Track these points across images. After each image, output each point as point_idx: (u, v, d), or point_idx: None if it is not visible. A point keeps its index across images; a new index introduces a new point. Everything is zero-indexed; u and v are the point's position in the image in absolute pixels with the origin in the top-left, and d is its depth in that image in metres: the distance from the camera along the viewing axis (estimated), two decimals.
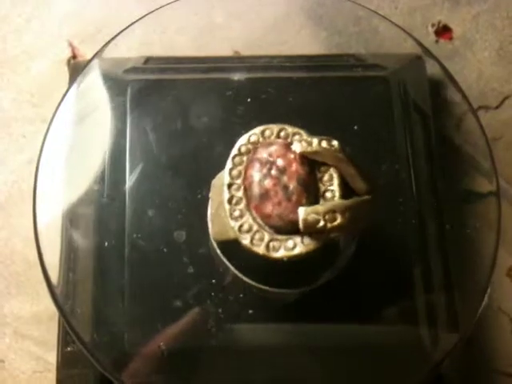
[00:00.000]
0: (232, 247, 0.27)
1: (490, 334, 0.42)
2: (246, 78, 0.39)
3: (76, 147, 0.34)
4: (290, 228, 0.24)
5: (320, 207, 0.24)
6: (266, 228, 0.25)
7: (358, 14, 0.44)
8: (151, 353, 0.31)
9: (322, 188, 0.25)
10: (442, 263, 0.36)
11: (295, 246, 0.24)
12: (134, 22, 0.37)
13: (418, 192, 0.37)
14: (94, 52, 0.38)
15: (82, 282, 0.34)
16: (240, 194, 0.25)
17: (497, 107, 0.46)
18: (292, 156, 0.25)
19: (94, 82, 0.36)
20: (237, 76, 0.39)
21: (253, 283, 0.30)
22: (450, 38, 0.48)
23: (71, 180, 0.35)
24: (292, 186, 0.24)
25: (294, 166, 0.25)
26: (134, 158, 0.33)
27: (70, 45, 0.45)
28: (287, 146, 0.25)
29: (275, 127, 0.27)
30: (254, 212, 0.25)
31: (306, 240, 0.24)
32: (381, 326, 0.33)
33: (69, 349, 0.34)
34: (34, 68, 0.45)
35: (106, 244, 0.33)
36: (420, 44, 0.38)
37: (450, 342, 0.34)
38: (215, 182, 0.29)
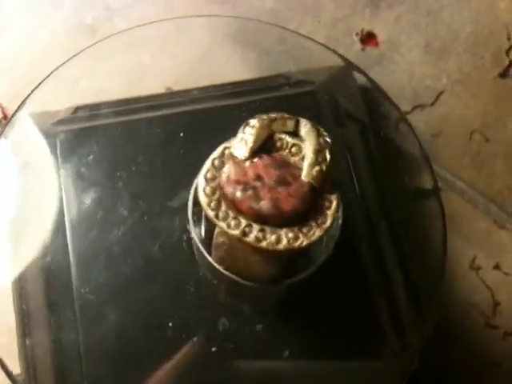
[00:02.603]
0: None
1: (464, 329, 0.42)
2: (179, 113, 0.39)
3: (8, 206, 0.34)
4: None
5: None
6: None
7: (282, 34, 0.45)
8: None
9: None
10: (399, 264, 0.36)
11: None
12: (56, 70, 0.37)
13: (364, 198, 0.37)
14: (27, 109, 0.38)
15: (39, 348, 0.33)
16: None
17: (432, 104, 0.47)
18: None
19: (22, 138, 0.35)
20: (171, 112, 0.39)
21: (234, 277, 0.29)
22: (376, 44, 0.48)
23: (13, 243, 0.34)
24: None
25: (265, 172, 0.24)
26: (72, 213, 0.33)
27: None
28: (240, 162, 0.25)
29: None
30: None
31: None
32: (342, 333, 0.33)
33: None
34: None
35: (57, 303, 0.32)
36: (341, 56, 0.38)
37: (416, 340, 0.34)
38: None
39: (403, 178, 0.39)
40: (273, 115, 0.26)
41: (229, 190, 0.24)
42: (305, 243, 0.24)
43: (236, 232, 0.24)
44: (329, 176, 0.25)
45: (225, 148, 0.25)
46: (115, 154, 0.36)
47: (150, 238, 0.33)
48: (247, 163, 0.24)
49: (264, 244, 0.24)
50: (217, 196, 0.24)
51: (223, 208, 0.24)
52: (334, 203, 0.25)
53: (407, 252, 0.36)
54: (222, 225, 0.24)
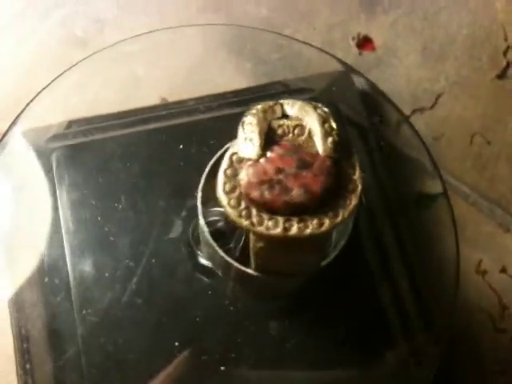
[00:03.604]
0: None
1: (472, 333, 0.41)
2: (177, 124, 0.38)
3: (5, 227, 0.33)
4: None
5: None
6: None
7: (278, 41, 0.44)
8: None
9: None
10: (407, 271, 0.36)
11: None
12: (48, 85, 0.36)
13: (370, 204, 0.36)
14: (19, 127, 0.37)
15: (39, 371, 0.32)
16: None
17: (432, 107, 0.47)
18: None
19: (16, 157, 0.34)
20: (167, 123, 0.39)
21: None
22: (373, 48, 0.48)
23: (9, 263, 0.33)
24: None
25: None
26: (70, 231, 0.32)
27: None
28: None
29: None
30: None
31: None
32: (353, 343, 0.33)
33: None
34: None
35: (58, 326, 0.31)
36: (341, 61, 0.37)
37: (429, 350, 0.33)
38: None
39: (408, 183, 0.39)
40: (259, 106, 0.25)
41: (255, 193, 0.23)
42: (346, 215, 0.24)
43: (278, 231, 0.23)
44: (343, 147, 0.24)
45: (232, 155, 0.24)
46: (112, 169, 0.35)
47: (153, 256, 0.32)
48: (262, 160, 0.23)
49: (308, 231, 0.23)
50: (243, 205, 0.23)
51: (254, 213, 0.23)
52: (357, 170, 0.24)
53: (417, 260, 0.35)
54: (261, 229, 0.23)
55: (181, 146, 0.36)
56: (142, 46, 0.42)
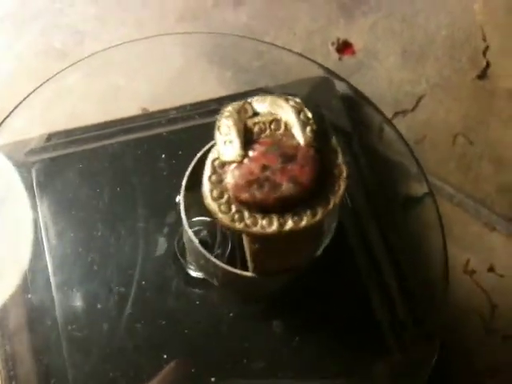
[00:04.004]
0: None
1: (463, 333, 0.41)
2: (157, 134, 0.38)
3: None
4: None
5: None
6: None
7: (258, 48, 0.44)
8: None
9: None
10: (395, 272, 0.36)
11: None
12: (26, 98, 0.35)
13: (356, 208, 0.36)
14: None
15: None
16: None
17: (413, 109, 0.47)
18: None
19: None
20: (148, 133, 0.38)
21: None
22: (353, 53, 0.48)
23: None
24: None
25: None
26: (53, 247, 0.31)
27: None
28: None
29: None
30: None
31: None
32: (344, 345, 0.33)
33: None
34: None
35: (43, 342, 0.31)
36: (322, 66, 0.37)
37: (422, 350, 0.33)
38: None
39: (393, 186, 0.39)
40: (231, 108, 0.24)
41: (245, 195, 0.23)
42: (337, 201, 0.24)
43: (273, 228, 0.23)
44: (321, 134, 0.24)
45: (213, 160, 0.24)
46: (94, 181, 0.35)
47: (135, 266, 0.32)
48: (246, 161, 0.23)
49: (303, 223, 0.23)
50: (234, 209, 0.23)
51: (247, 215, 0.23)
52: (339, 154, 0.24)
53: (405, 261, 0.35)
54: (256, 230, 0.23)
55: (162, 156, 0.35)
56: (122, 56, 0.42)
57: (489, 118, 0.47)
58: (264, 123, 0.24)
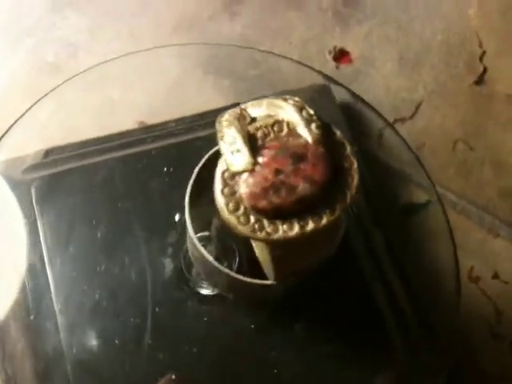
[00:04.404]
0: None
1: (471, 341, 0.40)
2: (155, 148, 0.38)
3: None
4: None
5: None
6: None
7: (255, 57, 0.43)
8: None
9: None
10: (402, 281, 0.35)
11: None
12: (22, 116, 0.35)
13: (359, 216, 0.36)
14: None
15: None
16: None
17: (412, 116, 0.46)
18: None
19: None
20: (147, 147, 0.38)
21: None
22: (350, 61, 0.48)
23: None
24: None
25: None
26: (55, 266, 0.30)
27: None
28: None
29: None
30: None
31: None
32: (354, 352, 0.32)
33: None
34: None
35: (47, 366, 0.30)
36: (321, 73, 0.37)
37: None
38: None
39: (394, 192, 0.38)
40: (229, 116, 0.24)
41: (263, 202, 0.22)
42: (353, 193, 0.23)
43: (295, 231, 0.22)
44: (329, 132, 0.24)
45: (223, 173, 0.23)
46: (94, 197, 0.34)
47: (146, 294, 0.31)
48: (257, 168, 0.23)
49: (324, 222, 0.23)
50: (253, 219, 0.22)
51: (266, 223, 0.22)
52: (347, 146, 0.24)
53: (411, 269, 0.35)
54: (278, 236, 0.22)
55: (165, 169, 0.35)
56: (116, 70, 0.41)
57: (487, 123, 0.46)
58: (266, 127, 0.23)
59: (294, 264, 0.25)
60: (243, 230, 0.22)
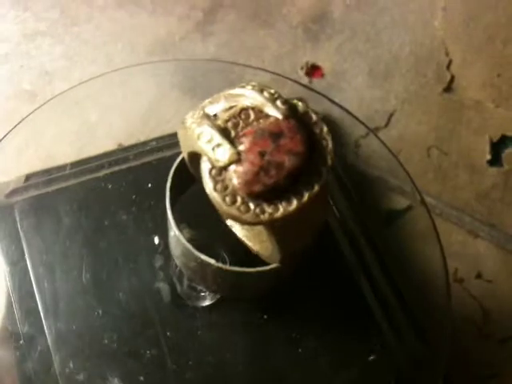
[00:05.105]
0: None
1: (459, 341, 0.41)
2: (136, 166, 0.38)
3: None
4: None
5: None
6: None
7: (229, 76, 0.44)
8: None
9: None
10: (391, 286, 0.36)
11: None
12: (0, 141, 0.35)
13: (343, 227, 0.37)
14: None
15: None
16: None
17: (386, 125, 0.48)
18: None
19: None
20: (126, 167, 0.38)
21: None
22: (322, 75, 0.49)
23: None
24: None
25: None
26: (43, 289, 0.30)
27: None
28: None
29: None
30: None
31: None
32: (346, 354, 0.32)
33: None
34: None
35: None
36: (304, 85, 0.38)
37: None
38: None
39: (376, 199, 0.39)
40: (193, 118, 0.24)
41: (258, 186, 0.23)
42: (332, 155, 0.24)
43: (294, 205, 0.23)
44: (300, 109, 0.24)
45: (210, 171, 0.23)
46: (80, 216, 0.34)
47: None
48: (242, 156, 0.23)
49: (316, 188, 0.23)
50: (253, 205, 0.23)
51: (266, 206, 0.23)
52: (312, 114, 0.24)
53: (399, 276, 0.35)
54: (281, 214, 0.23)
55: (150, 185, 0.35)
56: (91, 92, 0.41)
57: (459, 128, 0.48)
58: (235, 117, 0.24)
59: (295, 242, 0.25)
60: (247, 217, 0.23)
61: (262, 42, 0.49)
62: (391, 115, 0.48)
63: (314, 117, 0.24)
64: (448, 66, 0.50)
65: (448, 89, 0.49)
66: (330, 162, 0.24)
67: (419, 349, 0.33)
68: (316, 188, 0.23)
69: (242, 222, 0.23)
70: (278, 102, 0.24)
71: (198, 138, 0.23)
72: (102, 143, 0.42)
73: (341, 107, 0.38)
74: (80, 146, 0.42)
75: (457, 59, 0.50)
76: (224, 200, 0.23)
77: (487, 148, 0.47)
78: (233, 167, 0.23)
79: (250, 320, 0.32)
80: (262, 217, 0.23)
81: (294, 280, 0.30)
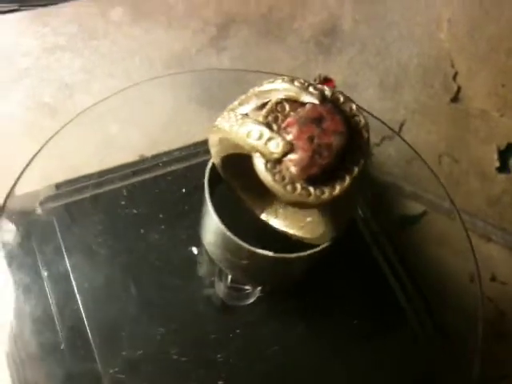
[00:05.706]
0: None
1: (475, 341, 0.42)
2: (161, 175, 0.39)
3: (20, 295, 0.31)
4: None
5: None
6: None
7: (243, 86, 0.45)
8: None
9: None
10: (417, 291, 0.37)
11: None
12: (32, 159, 0.35)
13: (367, 225, 0.38)
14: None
15: None
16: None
17: (398, 133, 0.49)
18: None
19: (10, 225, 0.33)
20: (152, 175, 0.39)
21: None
22: (334, 87, 0.50)
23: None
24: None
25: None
26: (84, 290, 0.30)
27: None
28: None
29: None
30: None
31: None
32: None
33: None
34: None
35: None
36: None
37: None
38: None
39: (390, 208, 0.40)
40: (233, 118, 0.25)
41: (314, 170, 0.24)
42: (368, 130, 0.25)
43: (348, 181, 0.24)
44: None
45: (265, 166, 0.24)
46: (118, 221, 0.34)
47: (170, 303, 0.31)
48: (295, 144, 0.24)
49: (362, 163, 0.24)
50: (312, 190, 0.24)
51: (323, 187, 0.24)
52: (342, 96, 0.26)
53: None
54: (340, 190, 0.24)
55: (184, 190, 0.36)
56: (112, 108, 0.42)
57: (467, 136, 0.49)
58: (272, 111, 0.25)
59: (340, 220, 0.27)
60: (310, 200, 0.24)
61: (274, 55, 0.51)
62: (402, 125, 0.49)
63: (342, 97, 0.25)
64: (454, 77, 0.51)
65: (455, 99, 0.51)
66: (366, 135, 0.25)
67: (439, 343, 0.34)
68: (362, 162, 0.24)
69: (307, 206, 0.24)
70: (311, 89, 0.25)
71: (248, 136, 0.24)
72: (123, 155, 0.43)
73: (363, 110, 0.39)
74: (101, 158, 0.42)
75: (462, 70, 0.51)
76: (285, 189, 0.24)
77: (495, 156, 0.49)
78: (288, 157, 0.24)
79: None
80: (323, 197, 0.24)
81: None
